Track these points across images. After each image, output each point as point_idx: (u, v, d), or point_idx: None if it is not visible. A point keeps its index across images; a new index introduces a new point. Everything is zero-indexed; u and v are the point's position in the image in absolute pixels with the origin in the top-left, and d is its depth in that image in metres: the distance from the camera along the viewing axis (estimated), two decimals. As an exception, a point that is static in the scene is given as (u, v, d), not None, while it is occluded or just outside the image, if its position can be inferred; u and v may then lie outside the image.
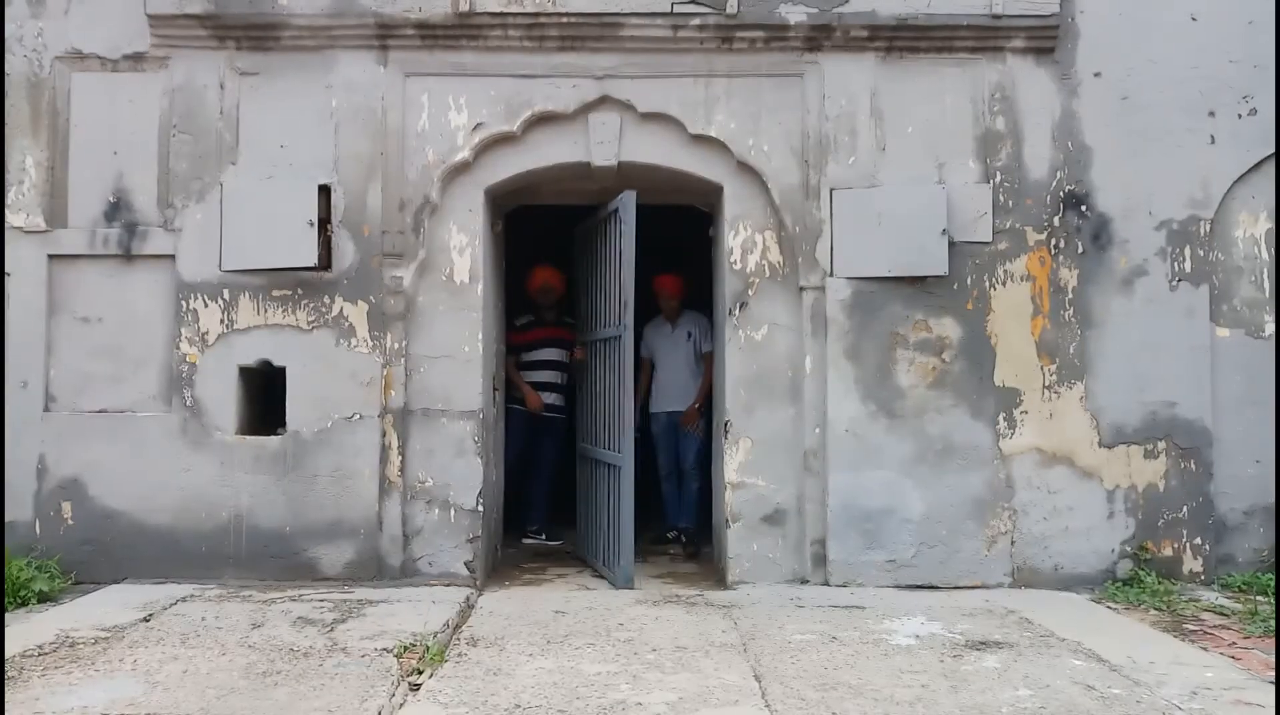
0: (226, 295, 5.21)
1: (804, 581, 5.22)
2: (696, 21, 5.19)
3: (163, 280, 5.25)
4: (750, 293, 5.35)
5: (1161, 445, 5.23)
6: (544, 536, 6.61)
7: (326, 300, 5.23)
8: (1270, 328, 5.30)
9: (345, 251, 5.23)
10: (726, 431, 5.36)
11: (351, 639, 3.98)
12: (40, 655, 3.74)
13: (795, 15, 5.18)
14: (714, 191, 5.49)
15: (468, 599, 4.78)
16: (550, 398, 6.56)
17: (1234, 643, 4.13)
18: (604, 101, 5.30)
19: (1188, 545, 5.21)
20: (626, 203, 5.28)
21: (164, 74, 5.27)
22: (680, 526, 6.38)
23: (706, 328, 6.39)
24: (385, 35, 5.21)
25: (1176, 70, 5.30)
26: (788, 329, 5.33)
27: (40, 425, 5.17)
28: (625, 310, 5.33)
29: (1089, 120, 5.30)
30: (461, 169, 5.31)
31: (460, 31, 5.22)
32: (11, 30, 5.25)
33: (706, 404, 6.27)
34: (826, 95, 5.28)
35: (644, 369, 6.57)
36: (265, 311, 5.22)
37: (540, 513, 6.67)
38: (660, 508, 6.67)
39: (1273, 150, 5.27)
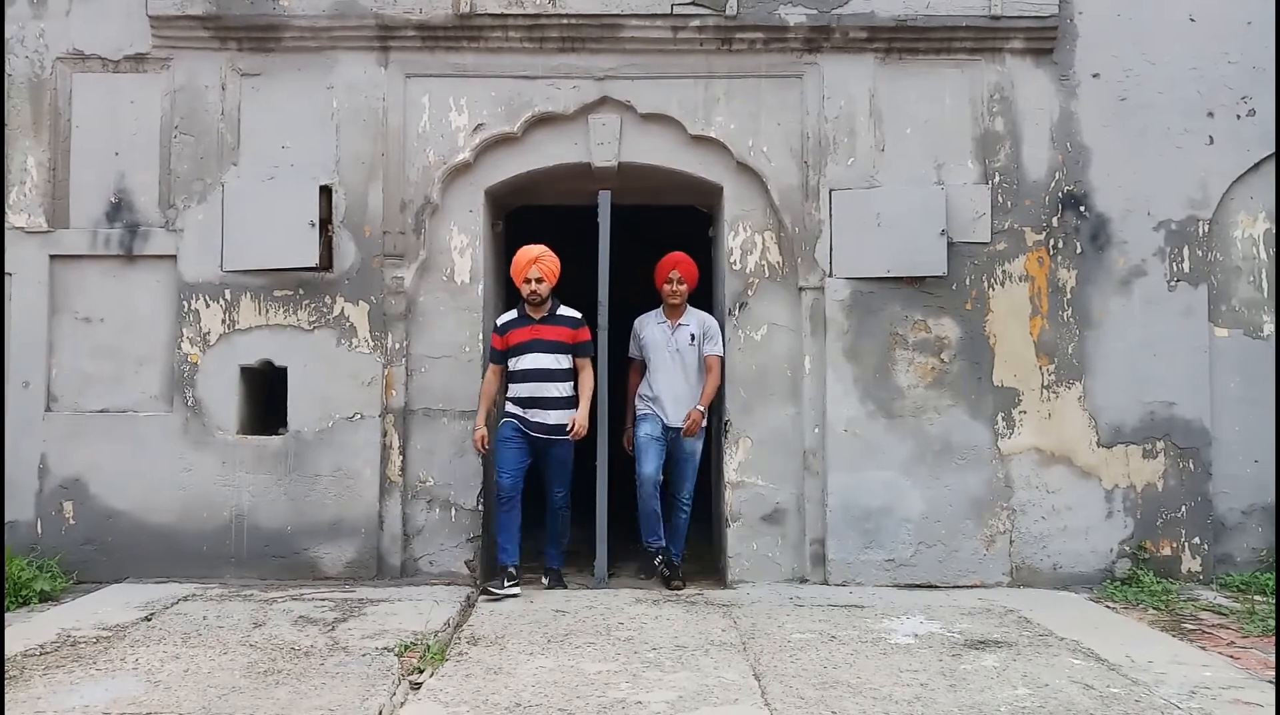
0: (228, 295, 5.23)
1: (803, 580, 5.23)
2: (696, 23, 5.20)
3: (164, 280, 5.27)
4: (750, 293, 5.36)
5: (1160, 445, 5.24)
6: (547, 581, 5.25)
7: (328, 300, 5.24)
8: (1269, 328, 5.31)
9: (346, 252, 5.24)
10: (726, 431, 5.37)
11: (352, 638, 3.99)
12: (42, 654, 3.75)
13: (794, 16, 5.20)
14: (714, 192, 5.50)
15: (468, 598, 4.79)
16: (553, 416, 5.04)
17: (1232, 642, 4.14)
18: (604, 102, 5.32)
19: (1186, 545, 5.22)
20: (602, 202, 5.28)
21: (165, 75, 5.29)
22: (664, 549, 5.36)
23: (713, 329, 5.41)
24: (386, 36, 5.23)
25: (1175, 71, 5.31)
26: (787, 329, 5.34)
27: (42, 425, 5.19)
28: (601, 310, 5.32)
29: (1088, 121, 5.32)
30: (462, 170, 5.32)
31: (461, 33, 5.23)
32: (13, 31, 5.26)
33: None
34: (826, 96, 5.29)
35: (633, 371, 5.58)
36: (266, 312, 5.23)
37: (557, 548, 5.36)
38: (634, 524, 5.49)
39: (1271, 151, 5.29)
